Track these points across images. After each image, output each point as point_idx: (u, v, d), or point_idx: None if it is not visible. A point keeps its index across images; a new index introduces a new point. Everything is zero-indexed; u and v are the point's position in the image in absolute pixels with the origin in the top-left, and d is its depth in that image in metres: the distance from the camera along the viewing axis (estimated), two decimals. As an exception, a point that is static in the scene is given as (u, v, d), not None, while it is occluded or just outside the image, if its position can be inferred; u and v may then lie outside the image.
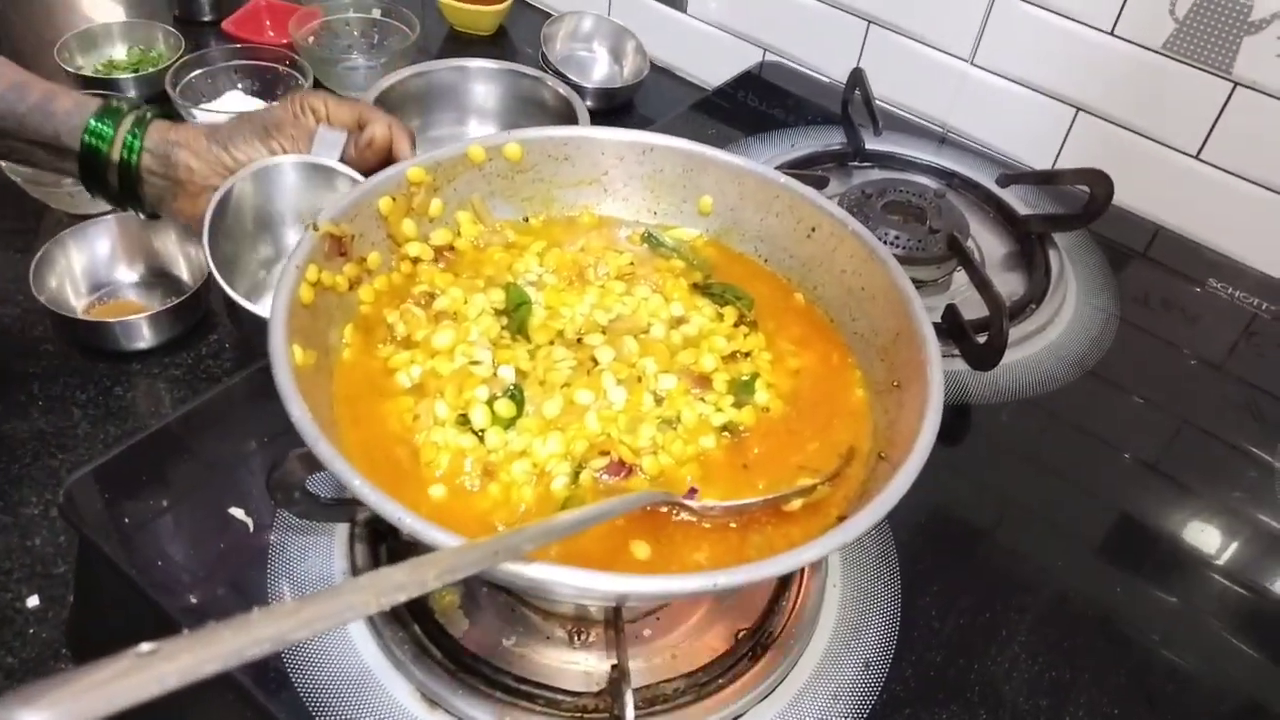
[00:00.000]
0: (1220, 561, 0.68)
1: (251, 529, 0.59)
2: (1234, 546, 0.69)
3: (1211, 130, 0.95)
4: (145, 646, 0.26)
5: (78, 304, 0.85)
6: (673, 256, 0.63)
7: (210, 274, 0.65)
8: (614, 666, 0.51)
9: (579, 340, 0.55)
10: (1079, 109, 1.01)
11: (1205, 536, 0.69)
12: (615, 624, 0.50)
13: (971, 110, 1.08)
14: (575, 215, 0.65)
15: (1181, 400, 0.81)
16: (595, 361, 0.54)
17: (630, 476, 0.50)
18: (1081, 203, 0.87)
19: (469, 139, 0.60)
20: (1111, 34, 0.95)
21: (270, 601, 0.55)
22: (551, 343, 0.55)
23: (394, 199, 0.57)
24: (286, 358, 0.46)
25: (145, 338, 0.82)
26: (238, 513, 0.59)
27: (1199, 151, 0.96)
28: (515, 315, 0.56)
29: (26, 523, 0.72)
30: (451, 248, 0.61)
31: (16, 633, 0.66)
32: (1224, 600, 0.66)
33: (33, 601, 0.68)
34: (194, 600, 0.56)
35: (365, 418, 0.51)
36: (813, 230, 0.60)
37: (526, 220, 0.64)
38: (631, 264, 0.61)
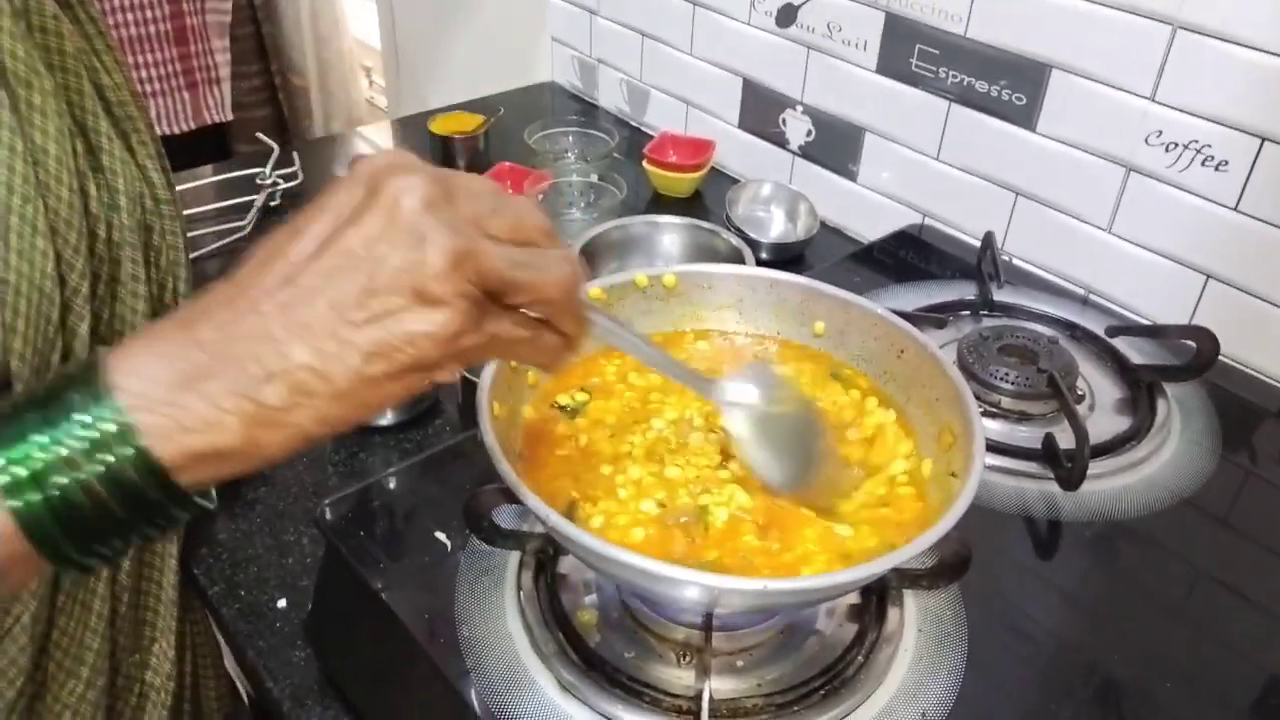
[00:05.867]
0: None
1: (449, 549, 0.77)
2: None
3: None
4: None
5: (341, 386, 1.09)
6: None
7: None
8: (698, 651, 0.65)
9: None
10: (1209, 276, 1.10)
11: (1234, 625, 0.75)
12: (707, 627, 0.64)
13: (1110, 273, 1.18)
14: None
15: (1260, 529, 0.86)
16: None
17: None
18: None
19: (636, 270, 0.79)
20: (1235, 209, 1.05)
21: (456, 605, 0.73)
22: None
23: (577, 308, 0.77)
24: (488, 407, 0.65)
25: (387, 416, 1.05)
26: (440, 535, 0.77)
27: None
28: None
29: (284, 546, 0.94)
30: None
31: (268, 624, 0.87)
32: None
33: (282, 603, 0.89)
34: (401, 594, 0.74)
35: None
36: (902, 351, 0.74)
37: (678, 334, 0.82)
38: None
